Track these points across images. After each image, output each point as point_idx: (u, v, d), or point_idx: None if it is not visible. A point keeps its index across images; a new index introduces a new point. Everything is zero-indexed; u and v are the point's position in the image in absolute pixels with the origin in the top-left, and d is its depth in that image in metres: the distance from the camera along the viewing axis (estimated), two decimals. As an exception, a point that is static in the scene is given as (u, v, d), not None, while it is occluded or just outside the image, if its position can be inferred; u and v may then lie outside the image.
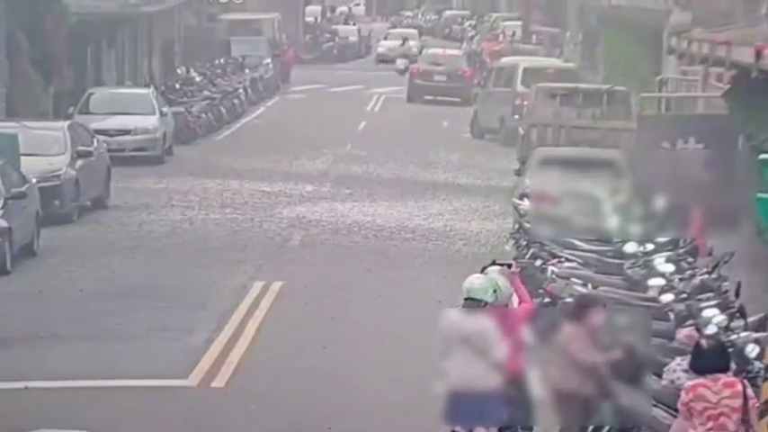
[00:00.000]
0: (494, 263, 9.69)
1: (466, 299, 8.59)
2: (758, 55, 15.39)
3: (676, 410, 7.39)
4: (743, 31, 18.97)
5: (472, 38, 48.22)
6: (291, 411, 10.61)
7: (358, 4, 64.91)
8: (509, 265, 10.29)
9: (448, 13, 61.35)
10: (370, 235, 18.12)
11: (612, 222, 11.54)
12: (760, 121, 16.14)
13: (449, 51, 39.66)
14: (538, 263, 12.25)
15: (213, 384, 11.23)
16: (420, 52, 46.38)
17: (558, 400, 6.65)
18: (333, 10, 59.24)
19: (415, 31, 50.63)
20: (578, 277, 11.45)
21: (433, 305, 12.44)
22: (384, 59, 46.60)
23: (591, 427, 7.83)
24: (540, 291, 11.09)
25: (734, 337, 9.27)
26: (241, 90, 31.62)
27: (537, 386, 6.46)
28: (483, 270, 9.29)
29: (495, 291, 8.62)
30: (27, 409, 10.49)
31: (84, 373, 11.40)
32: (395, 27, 54.63)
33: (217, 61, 33.79)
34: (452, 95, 34.52)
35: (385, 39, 49.15)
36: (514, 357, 7.89)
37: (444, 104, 35.10)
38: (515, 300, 9.77)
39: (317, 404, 10.72)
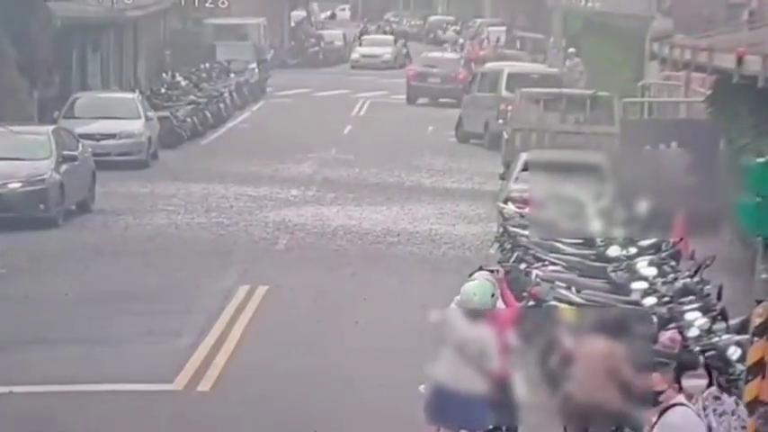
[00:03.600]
0: (481, 269, 9.75)
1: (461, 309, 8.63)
2: (739, 60, 15.53)
3: None
4: (724, 36, 19.14)
5: (462, 44, 48.24)
6: (277, 415, 10.64)
7: (343, 9, 64.99)
8: (496, 271, 10.36)
9: (432, 18, 61.50)
10: (356, 239, 18.17)
11: (596, 226, 11.64)
12: (741, 126, 16.30)
13: (446, 55, 39.93)
14: (522, 266, 12.33)
15: (199, 388, 11.26)
16: (395, 59, 46.03)
17: (586, 412, 6.64)
18: (333, 16, 59.06)
19: (390, 38, 49.54)
20: (562, 281, 11.53)
21: (418, 308, 12.49)
22: (357, 65, 45.81)
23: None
24: (525, 294, 11.17)
25: (716, 339, 9.35)
26: (226, 94, 31.64)
27: (522, 387, 6.52)
28: (470, 276, 9.34)
29: (493, 295, 8.68)
30: (11, 414, 10.49)
31: (69, 377, 11.41)
32: (368, 33, 53.65)
33: (202, 66, 33.81)
34: (447, 97, 34.79)
35: (360, 45, 48.22)
36: (502, 361, 7.94)
37: (430, 108, 35.24)
38: (500, 303, 9.84)
39: (303, 408, 10.76)
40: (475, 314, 8.43)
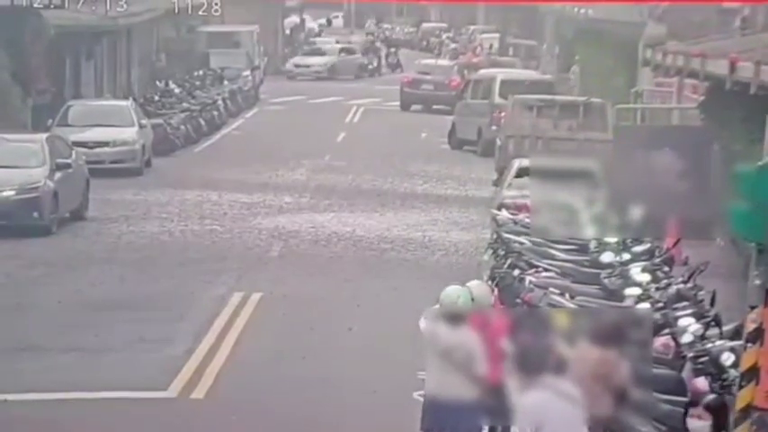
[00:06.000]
0: None
1: (443, 314, 8.65)
2: (732, 67, 15.58)
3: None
4: (717, 43, 19.20)
5: (456, 50, 48.16)
6: (271, 422, 10.64)
7: (336, 16, 65.02)
8: (492, 289, 10.37)
9: (425, 25, 61.60)
10: (350, 245, 18.18)
11: (590, 232, 11.66)
12: (734, 132, 16.34)
13: (440, 62, 39.97)
14: (516, 273, 12.35)
15: (193, 395, 11.25)
16: (329, 69, 44.28)
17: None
18: (329, 22, 58.18)
19: (335, 47, 46.76)
20: (556, 287, 11.55)
21: (411, 315, 12.48)
22: (291, 76, 43.79)
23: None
24: (518, 300, 11.19)
25: (709, 345, 9.36)
26: (220, 102, 31.65)
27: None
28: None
29: (472, 299, 8.70)
30: (5, 422, 10.47)
31: (62, 385, 11.38)
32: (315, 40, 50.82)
33: (196, 73, 33.82)
34: (441, 104, 34.83)
35: (305, 54, 45.84)
36: (495, 366, 7.95)
37: (423, 115, 35.28)
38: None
39: (297, 414, 10.76)
40: (457, 319, 8.45)
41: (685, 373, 9.07)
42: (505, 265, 12.76)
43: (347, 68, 45.53)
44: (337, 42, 49.03)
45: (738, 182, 8.17)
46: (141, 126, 24.40)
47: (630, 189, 10.11)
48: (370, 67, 47.36)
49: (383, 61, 48.42)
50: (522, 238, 13.32)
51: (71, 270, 16.09)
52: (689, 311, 10.17)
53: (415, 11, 66.57)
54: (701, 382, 8.86)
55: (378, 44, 50.64)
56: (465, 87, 30.29)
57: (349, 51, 46.95)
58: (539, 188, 14.22)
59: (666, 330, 9.73)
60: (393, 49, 49.77)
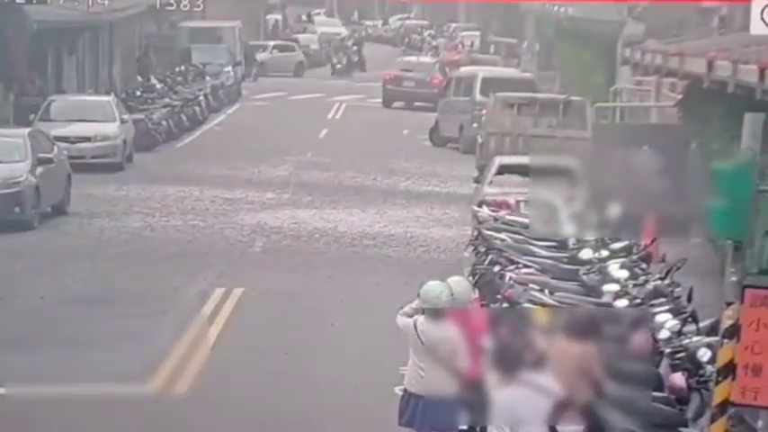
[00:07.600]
0: None
1: (424, 309, 8.74)
2: (710, 65, 15.73)
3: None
4: (695, 42, 19.36)
5: (437, 47, 48.20)
6: (253, 417, 10.70)
7: (318, 13, 64.98)
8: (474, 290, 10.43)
9: (408, 22, 61.71)
10: (332, 242, 18.24)
11: (569, 229, 11.78)
12: (711, 130, 16.50)
13: (422, 59, 40.08)
14: (496, 269, 12.45)
15: (174, 391, 11.30)
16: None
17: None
18: (309, 17, 57.92)
19: (271, 43, 46.46)
20: (535, 283, 11.66)
21: (393, 311, 12.57)
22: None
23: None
24: (498, 296, 11.30)
25: (686, 341, 9.48)
26: (202, 97, 31.63)
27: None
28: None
29: (452, 294, 8.79)
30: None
31: (44, 379, 11.39)
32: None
33: (177, 69, 33.79)
34: (422, 101, 34.94)
35: (265, 51, 45.14)
36: (475, 362, 8.05)
37: (405, 112, 35.36)
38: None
39: (279, 410, 10.82)
40: (437, 315, 8.54)
41: (662, 369, 9.19)
42: (486, 262, 12.86)
43: (279, 66, 44.64)
44: (333, 38, 48.91)
45: (716, 180, 8.27)
46: (123, 121, 24.38)
47: (609, 187, 10.21)
48: (338, 66, 47.12)
49: (350, 60, 48.16)
50: (502, 235, 13.42)
51: (53, 265, 16.09)
52: (666, 308, 10.28)
53: (397, 8, 66.62)
54: (678, 378, 8.98)
55: (348, 42, 50.42)
56: (447, 85, 30.39)
57: (283, 48, 46.29)
58: (519, 185, 14.30)
59: (644, 326, 9.82)
60: (356, 48, 49.41)
